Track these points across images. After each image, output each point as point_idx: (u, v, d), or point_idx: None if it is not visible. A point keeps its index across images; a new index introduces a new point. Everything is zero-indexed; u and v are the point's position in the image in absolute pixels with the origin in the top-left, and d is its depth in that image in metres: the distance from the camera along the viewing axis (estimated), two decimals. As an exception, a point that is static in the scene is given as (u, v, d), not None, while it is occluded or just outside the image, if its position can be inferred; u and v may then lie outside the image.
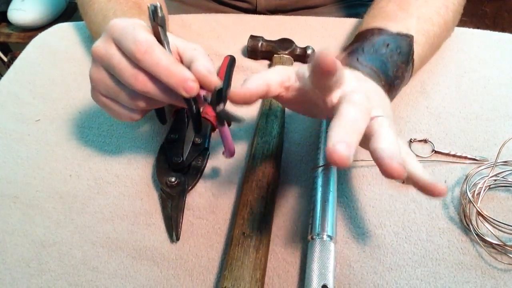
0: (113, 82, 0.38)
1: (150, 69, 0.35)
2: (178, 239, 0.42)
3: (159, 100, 0.38)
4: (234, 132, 0.52)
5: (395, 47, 0.46)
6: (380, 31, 0.48)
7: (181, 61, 0.39)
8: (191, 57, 0.38)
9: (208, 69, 0.37)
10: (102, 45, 0.38)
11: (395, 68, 0.45)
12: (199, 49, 0.39)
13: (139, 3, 0.54)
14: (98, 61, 0.39)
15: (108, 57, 0.37)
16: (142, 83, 0.36)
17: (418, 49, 0.49)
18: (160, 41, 0.37)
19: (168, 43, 0.37)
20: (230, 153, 0.41)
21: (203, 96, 0.37)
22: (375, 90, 0.40)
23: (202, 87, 0.37)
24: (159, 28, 0.36)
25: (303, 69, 0.38)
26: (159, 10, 0.35)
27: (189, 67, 0.37)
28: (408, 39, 0.48)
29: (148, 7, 0.35)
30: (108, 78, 0.39)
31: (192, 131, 0.49)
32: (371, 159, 0.48)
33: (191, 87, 0.35)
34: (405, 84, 0.50)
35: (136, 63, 0.36)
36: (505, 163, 0.46)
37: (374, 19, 0.51)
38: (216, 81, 0.37)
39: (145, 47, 0.35)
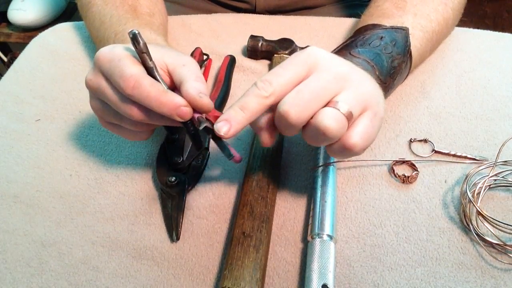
0: (112, 111, 0.39)
1: (141, 102, 0.36)
2: (178, 238, 0.42)
3: (157, 124, 0.39)
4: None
5: (389, 39, 0.47)
6: (374, 26, 0.49)
7: (171, 80, 0.39)
8: (180, 76, 0.37)
9: (199, 90, 0.36)
10: (94, 79, 0.38)
11: (390, 59, 0.45)
12: (188, 64, 0.38)
13: (135, 5, 0.55)
14: (92, 92, 0.39)
15: (101, 91, 0.38)
16: (137, 113, 0.37)
17: (415, 43, 0.49)
18: (146, 67, 0.36)
19: (155, 67, 0.36)
20: (236, 161, 0.40)
21: (197, 118, 0.37)
22: (361, 78, 0.37)
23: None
24: (144, 54, 0.35)
25: None
26: (139, 38, 0.34)
27: (179, 87, 0.37)
28: (403, 32, 0.48)
29: (128, 35, 0.34)
30: (107, 108, 0.39)
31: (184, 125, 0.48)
32: (372, 159, 0.48)
33: (184, 112, 0.35)
34: (405, 76, 0.51)
35: (128, 97, 0.36)
36: (505, 163, 0.46)
37: (370, 17, 0.52)
38: (207, 104, 0.36)
39: (133, 82, 0.35)
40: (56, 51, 0.65)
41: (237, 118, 0.34)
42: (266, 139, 0.37)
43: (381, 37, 0.46)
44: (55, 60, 0.63)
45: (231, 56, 0.60)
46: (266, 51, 0.61)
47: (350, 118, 0.33)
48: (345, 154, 0.35)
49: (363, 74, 0.38)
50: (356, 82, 0.35)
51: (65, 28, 0.69)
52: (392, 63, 0.45)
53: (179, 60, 0.39)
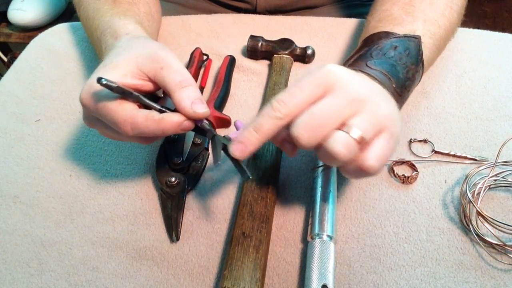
0: (122, 137, 0.39)
1: (144, 135, 0.36)
2: (178, 239, 0.42)
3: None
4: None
5: (403, 49, 0.46)
6: (387, 34, 0.48)
7: (155, 86, 0.38)
8: (164, 84, 0.36)
9: (190, 100, 0.35)
10: (88, 121, 0.40)
11: (405, 69, 0.45)
12: (166, 66, 0.37)
13: None
14: (91, 126, 0.41)
15: (100, 131, 0.39)
16: (145, 140, 0.39)
17: (426, 52, 0.49)
18: (131, 95, 0.35)
19: (139, 95, 0.36)
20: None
21: (201, 125, 0.37)
22: (378, 99, 0.36)
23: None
24: (123, 94, 0.35)
25: None
26: (110, 84, 0.33)
27: (168, 94, 0.36)
28: (415, 40, 0.47)
29: (98, 83, 0.33)
30: (116, 136, 0.40)
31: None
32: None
33: (187, 126, 0.36)
34: (416, 85, 0.50)
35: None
36: (505, 163, 0.46)
37: (380, 23, 0.51)
38: (203, 114, 0.36)
39: (129, 126, 0.35)
40: (56, 52, 0.65)
41: (251, 140, 0.34)
42: (288, 152, 0.38)
43: (395, 47, 0.46)
44: (55, 60, 0.63)
45: (231, 56, 0.60)
46: (266, 51, 0.61)
47: (361, 142, 0.32)
48: (359, 175, 0.35)
49: (381, 93, 0.37)
50: (373, 104, 0.34)
51: (65, 29, 0.69)
52: (407, 74, 0.45)
53: (155, 63, 0.37)
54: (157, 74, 0.37)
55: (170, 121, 0.35)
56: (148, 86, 0.38)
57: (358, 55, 0.47)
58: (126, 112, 0.35)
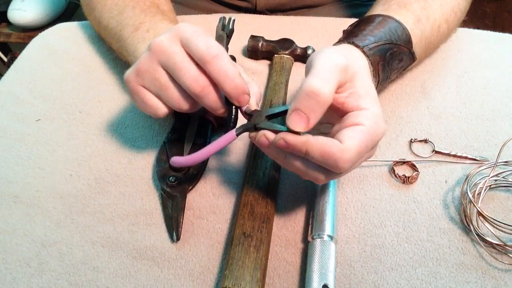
0: (164, 79, 0.38)
1: (216, 74, 0.36)
2: (178, 239, 0.42)
3: (205, 105, 0.38)
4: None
5: (393, 26, 0.48)
6: (381, 15, 0.50)
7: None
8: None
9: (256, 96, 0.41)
10: (166, 41, 0.37)
11: (395, 41, 0.47)
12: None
13: (157, 3, 0.55)
14: (156, 54, 0.38)
15: (170, 53, 0.37)
16: (201, 87, 0.37)
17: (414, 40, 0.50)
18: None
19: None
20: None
21: (245, 109, 0.38)
22: (357, 70, 0.38)
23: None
24: (225, 39, 0.39)
25: None
26: (231, 23, 0.40)
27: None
28: (404, 30, 0.48)
29: (224, 17, 0.40)
30: (161, 74, 0.38)
31: (192, 130, 0.49)
32: (372, 159, 0.48)
33: (246, 99, 0.37)
34: (406, 64, 0.51)
35: (203, 65, 0.36)
36: (506, 163, 0.46)
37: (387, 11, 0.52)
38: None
39: (217, 52, 0.36)
40: (56, 51, 0.65)
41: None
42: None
43: (386, 23, 0.48)
44: (55, 60, 0.63)
45: (232, 56, 0.60)
46: (266, 51, 0.61)
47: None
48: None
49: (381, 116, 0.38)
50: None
51: (65, 28, 0.69)
52: (397, 42, 0.47)
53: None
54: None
55: (243, 83, 0.37)
56: None
57: (351, 28, 0.50)
58: (220, 46, 0.37)
